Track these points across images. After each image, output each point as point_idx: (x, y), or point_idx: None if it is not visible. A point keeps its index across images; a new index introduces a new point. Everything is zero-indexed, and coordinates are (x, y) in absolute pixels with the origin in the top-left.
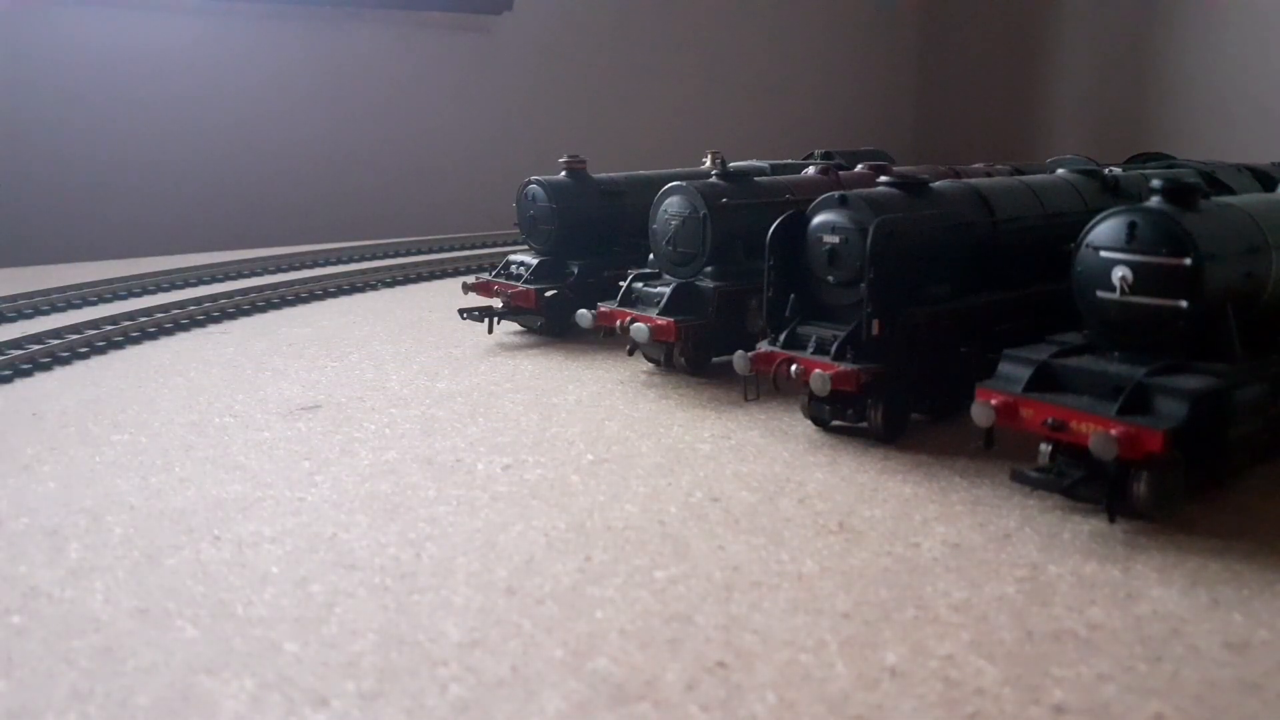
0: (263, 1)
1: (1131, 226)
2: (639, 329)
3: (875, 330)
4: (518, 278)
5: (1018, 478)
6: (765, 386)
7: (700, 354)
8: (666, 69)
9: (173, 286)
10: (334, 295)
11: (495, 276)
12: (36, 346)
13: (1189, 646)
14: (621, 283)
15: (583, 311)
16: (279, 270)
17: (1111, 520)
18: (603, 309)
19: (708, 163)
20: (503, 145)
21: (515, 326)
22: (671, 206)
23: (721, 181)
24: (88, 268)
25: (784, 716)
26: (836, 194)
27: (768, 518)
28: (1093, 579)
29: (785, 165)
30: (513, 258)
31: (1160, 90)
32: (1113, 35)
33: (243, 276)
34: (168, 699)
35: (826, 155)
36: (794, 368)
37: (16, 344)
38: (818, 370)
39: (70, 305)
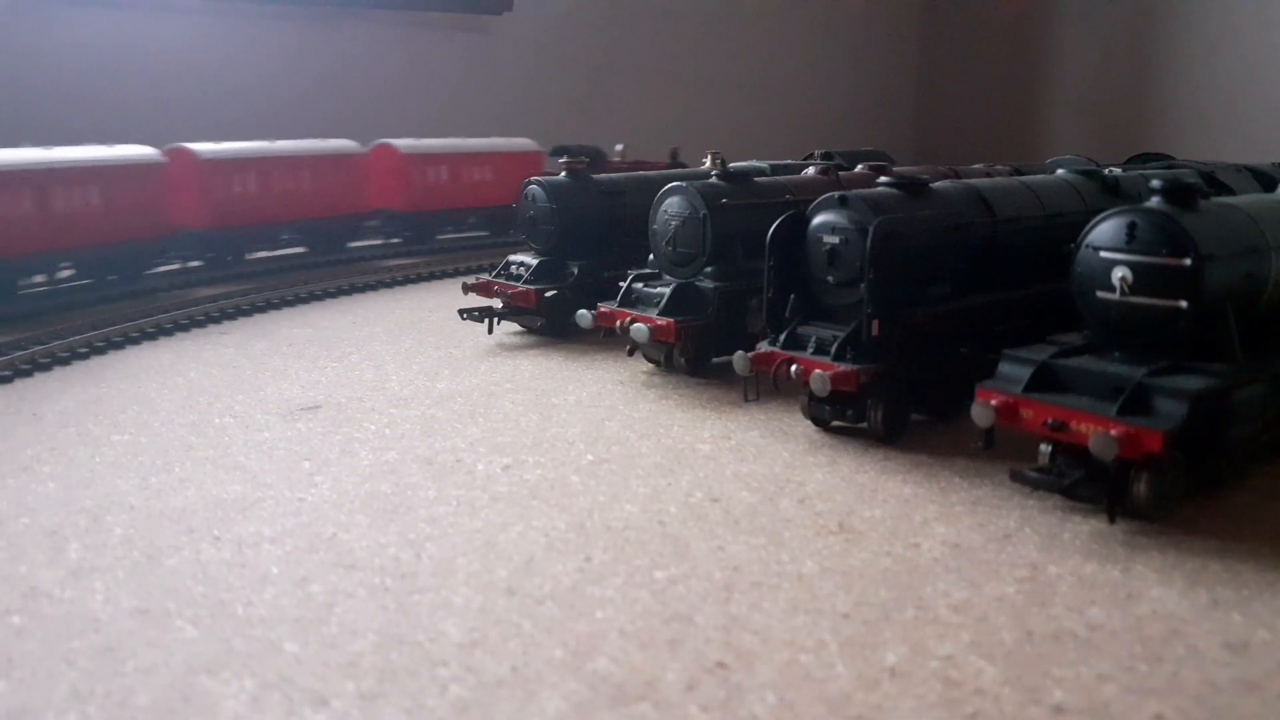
0: (263, 1)
1: (1131, 227)
2: (639, 329)
3: (875, 331)
4: (518, 278)
5: (1018, 478)
6: (765, 387)
7: (700, 354)
8: (667, 70)
9: (173, 287)
10: (334, 295)
11: (495, 277)
12: (37, 347)
13: (1189, 646)
14: (621, 283)
15: (583, 312)
16: (279, 271)
17: (1111, 520)
18: (603, 309)
19: (708, 163)
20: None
21: (515, 327)
22: (671, 207)
23: (721, 182)
24: None
25: (784, 716)
26: (836, 194)
27: (768, 518)
28: (1093, 579)
29: (785, 165)
30: (513, 258)
31: (1160, 90)
32: (1113, 35)
33: (243, 278)
34: (168, 699)
35: (826, 155)
36: (794, 368)
37: (16, 344)
38: (817, 370)
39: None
